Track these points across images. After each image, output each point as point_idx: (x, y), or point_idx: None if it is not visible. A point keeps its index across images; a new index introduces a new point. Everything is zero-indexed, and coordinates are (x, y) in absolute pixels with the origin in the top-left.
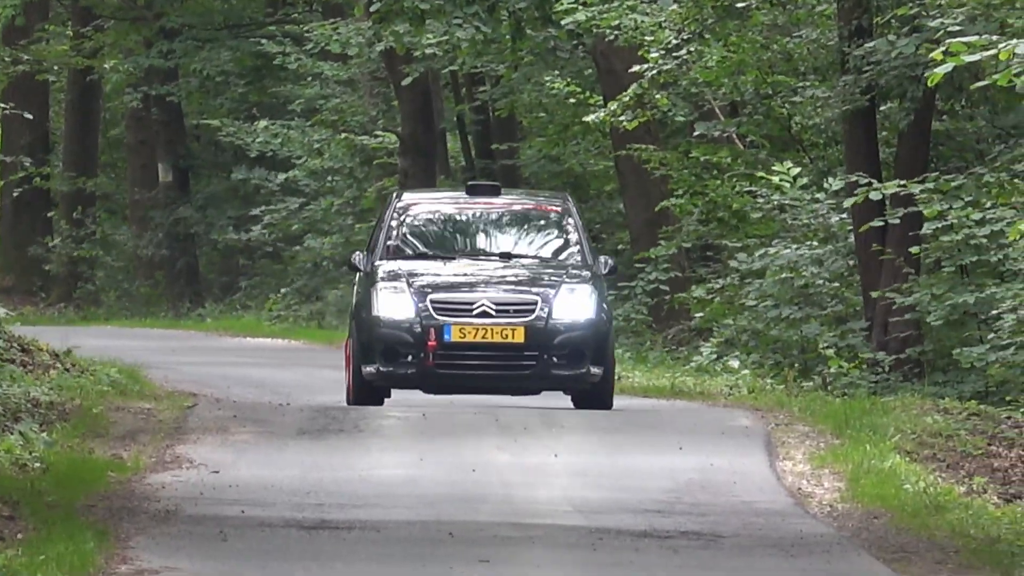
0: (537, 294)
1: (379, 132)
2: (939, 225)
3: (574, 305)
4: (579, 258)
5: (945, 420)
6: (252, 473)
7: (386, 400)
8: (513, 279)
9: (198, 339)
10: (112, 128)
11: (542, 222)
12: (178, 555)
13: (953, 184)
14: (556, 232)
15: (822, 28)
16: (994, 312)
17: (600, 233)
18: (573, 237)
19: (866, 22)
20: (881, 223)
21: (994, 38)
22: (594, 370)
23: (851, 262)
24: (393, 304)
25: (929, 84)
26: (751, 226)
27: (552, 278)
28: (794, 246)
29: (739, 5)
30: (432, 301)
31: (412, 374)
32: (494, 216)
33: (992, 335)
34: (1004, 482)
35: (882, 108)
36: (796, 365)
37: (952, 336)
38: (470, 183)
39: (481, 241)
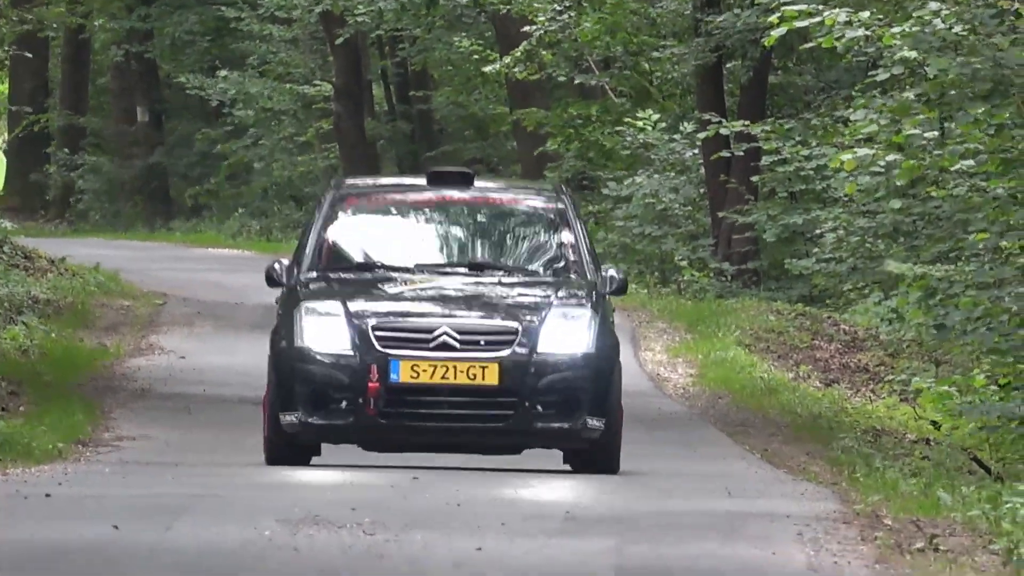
0: (517, 319)
1: (317, 82)
2: (774, 159)
3: (567, 334)
4: (576, 271)
5: (777, 319)
6: (212, 359)
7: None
8: (485, 299)
9: (168, 249)
10: (99, 77)
11: (528, 222)
12: (151, 425)
13: (786, 126)
14: (546, 236)
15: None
16: (818, 231)
17: (497, 165)
18: (569, 242)
19: None
20: (727, 155)
21: (820, 7)
22: (592, 423)
23: (701, 190)
24: (322, 332)
25: (766, 45)
26: (620, 161)
27: (539, 298)
28: (655, 177)
29: None
30: (375, 328)
31: (347, 426)
32: (463, 214)
33: (816, 250)
34: (824, 370)
35: (728, 65)
36: (656, 274)
37: (783, 250)
38: (433, 169)
39: (444, 248)
